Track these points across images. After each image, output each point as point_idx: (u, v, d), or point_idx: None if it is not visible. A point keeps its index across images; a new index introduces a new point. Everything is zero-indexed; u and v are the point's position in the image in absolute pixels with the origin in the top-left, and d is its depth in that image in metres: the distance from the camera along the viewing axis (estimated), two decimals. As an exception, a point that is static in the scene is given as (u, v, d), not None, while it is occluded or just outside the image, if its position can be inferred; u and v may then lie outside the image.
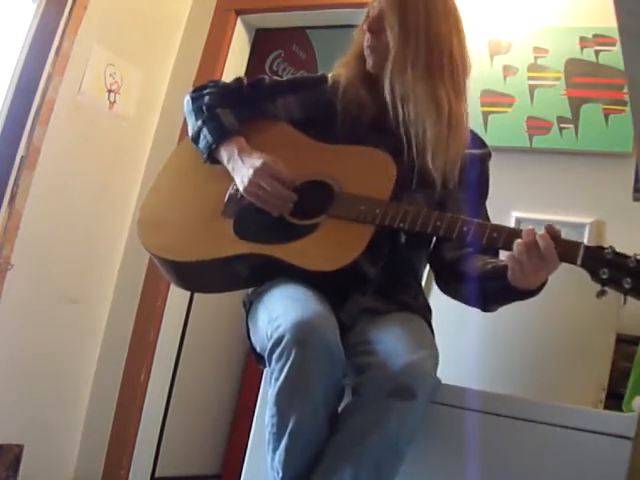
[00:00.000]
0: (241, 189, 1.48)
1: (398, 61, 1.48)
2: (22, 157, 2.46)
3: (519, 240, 1.23)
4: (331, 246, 1.40)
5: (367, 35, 1.54)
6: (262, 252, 1.43)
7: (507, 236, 1.27)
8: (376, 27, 1.52)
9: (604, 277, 1.16)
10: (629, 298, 1.16)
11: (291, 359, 1.18)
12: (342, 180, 1.47)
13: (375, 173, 1.47)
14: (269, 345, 1.23)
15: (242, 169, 1.49)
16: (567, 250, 1.21)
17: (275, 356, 1.21)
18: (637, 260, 1.15)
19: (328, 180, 1.48)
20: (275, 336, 1.21)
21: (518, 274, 1.26)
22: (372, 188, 1.43)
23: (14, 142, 2.45)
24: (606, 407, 1.61)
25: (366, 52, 1.56)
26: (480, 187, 1.56)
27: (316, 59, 3.58)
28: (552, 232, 1.22)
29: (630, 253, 1.17)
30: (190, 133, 1.61)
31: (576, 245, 1.21)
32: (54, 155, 2.55)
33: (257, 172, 1.45)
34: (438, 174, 1.46)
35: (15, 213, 2.44)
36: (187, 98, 1.65)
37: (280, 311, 1.27)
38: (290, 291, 1.34)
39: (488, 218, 1.55)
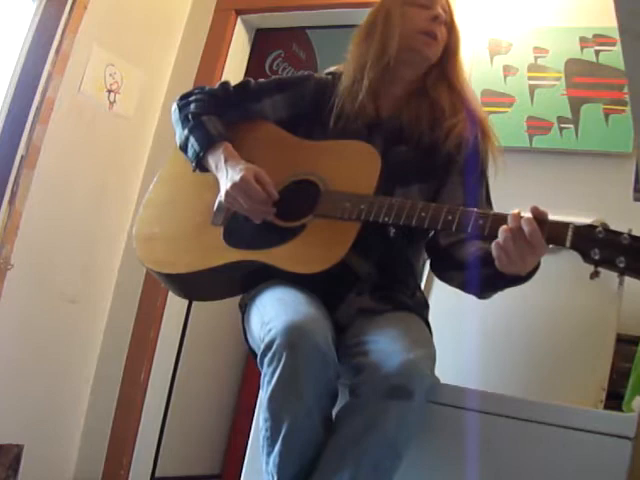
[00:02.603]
0: (222, 200, 1.49)
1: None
2: (22, 157, 2.46)
3: (504, 226, 1.20)
4: (317, 247, 1.39)
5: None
6: (251, 258, 1.43)
7: (493, 222, 1.23)
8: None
9: (596, 258, 1.10)
10: (629, 284, 1.11)
11: (282, 363, 1.18)
12: (328, 177, 1.46)
13: (360, 167, 1.45)
14: (261, 349, 1.23)
15: (225, 180, 1.48)
16: (555, 232, 1.16)
17: (267, 360, 1.21)
18: (631, 236, 1.08)
19: (314, 179, 1.47)
20: (266, 340, 1.21)
21: (505, 261, 1.21)
22: (358, 183, 1.41)
23: (14, 142, 2.45)
24: (606, 407, 1.60)
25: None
26: (474, 166, 1.52)
27: (316, 59, 3.57)
28: (538, 214, 1.18)
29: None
30: (178, 142, 1.61)
31: (564, 226, 1.15)
32: (54, 155, 2.55)
33: (235, 186, 1.45)
34: (442, 138, 1.47)
35: (15, 213, 2.44)
36: (174, 107, 1.65)
37: (272, 315, 1.27)
38: (282, 294, 1.34)
39: (489, 200, 1.53)
